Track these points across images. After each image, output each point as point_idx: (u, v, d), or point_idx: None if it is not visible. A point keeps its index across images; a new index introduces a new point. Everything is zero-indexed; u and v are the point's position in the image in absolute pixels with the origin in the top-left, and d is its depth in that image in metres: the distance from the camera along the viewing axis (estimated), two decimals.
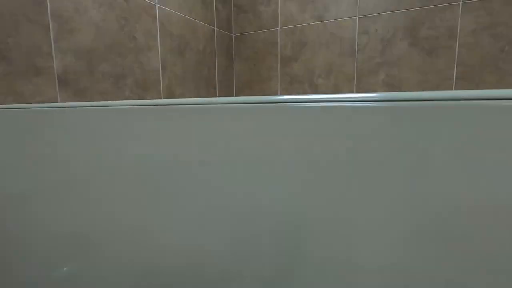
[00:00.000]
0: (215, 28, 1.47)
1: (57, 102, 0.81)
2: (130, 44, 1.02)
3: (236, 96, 1.66)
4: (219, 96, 1.53)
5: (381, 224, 0.32)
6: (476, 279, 0.28)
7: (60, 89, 0.82)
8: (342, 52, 1.37)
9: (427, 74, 1.22)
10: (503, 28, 1.09)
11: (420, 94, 0.29)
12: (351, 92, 1.36)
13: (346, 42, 1.36)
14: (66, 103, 0.52)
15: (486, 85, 1.13)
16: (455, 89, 1.17)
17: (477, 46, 1.13)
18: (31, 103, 0.76)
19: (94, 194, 0.51)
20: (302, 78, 1.47)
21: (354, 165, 0.32)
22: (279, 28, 1.50)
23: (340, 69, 1.38)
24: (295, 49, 1.47)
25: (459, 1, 1.14)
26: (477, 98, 0.27)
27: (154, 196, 0.45)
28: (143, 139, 0.45)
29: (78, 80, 0.86)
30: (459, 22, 1.15)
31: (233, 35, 1.63)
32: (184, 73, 1.28)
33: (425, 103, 0.29)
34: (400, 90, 1.27)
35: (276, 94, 1.55)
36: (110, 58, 0.95)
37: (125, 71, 1.01)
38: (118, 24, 0.97)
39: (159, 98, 1.16)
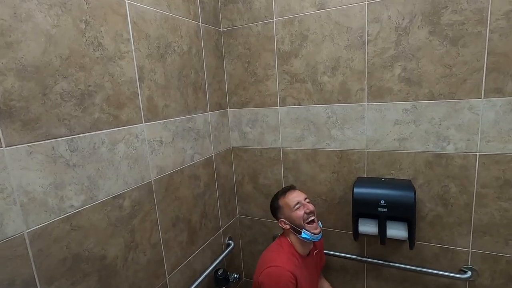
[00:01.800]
0: (200, 23, 1.26)
1: None
2: (95, 53, 0.82)
3: (228, 100, 1.47)
4: (210, 102, 1.34)
5: None
6: None
7: (1, 123, 0.62)
8: (350, 44, 1.18)
9: (452, 67, 1.05)
10: None
11: None
12: (362, 90, 1.18)
13: (353, 33, 1.17)
14: None
15: None
16: (485, 83, 1.01)
17: None
18: None
19: None
20: (304, 76, 1.29)
21: None
22: (274, 19, 1.30)
23: (348, 64, 1.20)
24: (295, 43, 1.27)
25: None
26: None
27: None
28: None
29: (27, 107, 0.67)
30: (490, 3, 0.97)
31: (222, 30, 1.42)
32: (166, 80, 1.08)
33: None
34: (420, 86, 1.10)
35: (274, 95, 1.36)
36: (70, 74, 0.75)
37: (92, 88, 0.81)
38: (77, 29, 0.77)
39: (138, 114, 0.96)
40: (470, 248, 1.14)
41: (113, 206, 0.88)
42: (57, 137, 0.73)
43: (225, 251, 1.45)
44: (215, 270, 1.35)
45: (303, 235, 1.06)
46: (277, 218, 1.16)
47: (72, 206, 0.76)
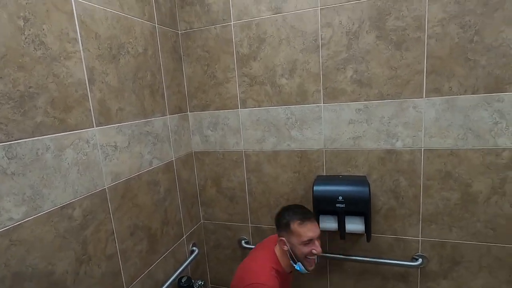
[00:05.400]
0: (156, 25, 1.23)
1: None
2: (36, 52, 0.76)
3: (188, 103, 1.44)
4: (169, 105, 1.30)
5: None
6: None
7: None
8: (305, 47, 1.22)
9: (397, 69, 1.13)
10: (471, 17, 1.02)
11: None
12: (318, 91, 1.23)
13: (308, 37, 1.21)
14: None
15: (457, 78, 1.07)
16: (426, 84, 1.10)
17: (446, 36, 1.06)
18: None
19: None
20: (263, 78, 1.31)
21: None
22: (232, 22, 1.30)
23: (304, 66, 1.24)
24: (253, 46, 1.29)
25: None
26: None
27: None
28: None
29: None
30: (426, 11, 1.06)
31: (180, 32, 1.40)
32: (120, 82, 1.03)
33: None
34: (370, 87, 1.17)
35: (235, 98, 1.37)
36: (6, 74, 0.69)
37: (33, 90, 0.75)
38: (15, 26, 0.71)
39: (89, 117, 0.91)
40: (420, 236, 1.22)
41: (61, 216, 0.81)
42: None
43: (189, 258, 1.42)
44: (179, 278, 1.30)
45: (296, 266, 1.05)
46: (278, 232, 1.09)
47: (11, 218, 0.69)
